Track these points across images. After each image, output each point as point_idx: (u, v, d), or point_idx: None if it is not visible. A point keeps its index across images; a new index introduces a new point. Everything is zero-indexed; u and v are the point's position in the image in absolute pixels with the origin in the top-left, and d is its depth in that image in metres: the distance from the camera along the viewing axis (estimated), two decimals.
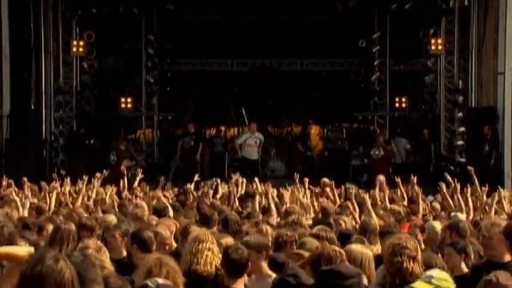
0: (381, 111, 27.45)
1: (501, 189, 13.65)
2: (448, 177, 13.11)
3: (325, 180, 16.65)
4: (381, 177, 15.31)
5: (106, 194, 14.57)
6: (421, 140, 25.63)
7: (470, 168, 13.64)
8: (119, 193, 15.73)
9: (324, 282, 5.30)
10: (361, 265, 6.35)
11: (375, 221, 9.56)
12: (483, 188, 12.92)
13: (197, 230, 8.12)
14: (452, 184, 12.18)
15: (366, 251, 6.72)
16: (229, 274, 6.61)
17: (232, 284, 6.56)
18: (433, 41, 25.28)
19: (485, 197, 12.31)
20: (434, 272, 5.79)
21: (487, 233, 7.48)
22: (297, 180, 15.70)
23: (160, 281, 5.27)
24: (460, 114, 24.41)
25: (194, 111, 29.46)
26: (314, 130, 28.19)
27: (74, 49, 25.45)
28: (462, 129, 24.16)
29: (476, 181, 13.11)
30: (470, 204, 11.28)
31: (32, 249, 5.37)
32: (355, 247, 6.77)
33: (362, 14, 26.69)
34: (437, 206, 12.27)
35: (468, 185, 12.13)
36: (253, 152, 24.05)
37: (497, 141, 21.70)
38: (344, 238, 8.32)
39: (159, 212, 11.35)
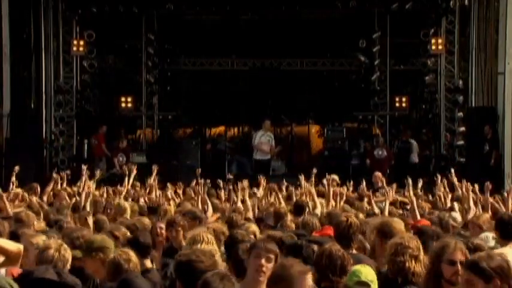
0: (381, 111, 27.42)
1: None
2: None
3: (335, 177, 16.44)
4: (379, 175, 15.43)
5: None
6: (421, 140, 25.61)
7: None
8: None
9: None
10: None
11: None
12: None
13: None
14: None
15: None
16: None
17: None
18: (433, 40, 25.26)
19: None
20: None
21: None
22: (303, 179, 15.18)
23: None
24: (460, 114, 24.44)
25: (194, 111, 29.42)
26: (314, 130, 28.12)
27: (74, 48, 25.44)
28: (462, 129, 24.17)
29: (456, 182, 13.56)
30: (472, 203, 11.27)
31: (21, 246, 5.40)
32: None
33: (362, 14, 26.67)
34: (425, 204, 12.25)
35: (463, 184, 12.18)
36: (266, 151, 23.68)
37: (497, 141, 21.70)
38: None
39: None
